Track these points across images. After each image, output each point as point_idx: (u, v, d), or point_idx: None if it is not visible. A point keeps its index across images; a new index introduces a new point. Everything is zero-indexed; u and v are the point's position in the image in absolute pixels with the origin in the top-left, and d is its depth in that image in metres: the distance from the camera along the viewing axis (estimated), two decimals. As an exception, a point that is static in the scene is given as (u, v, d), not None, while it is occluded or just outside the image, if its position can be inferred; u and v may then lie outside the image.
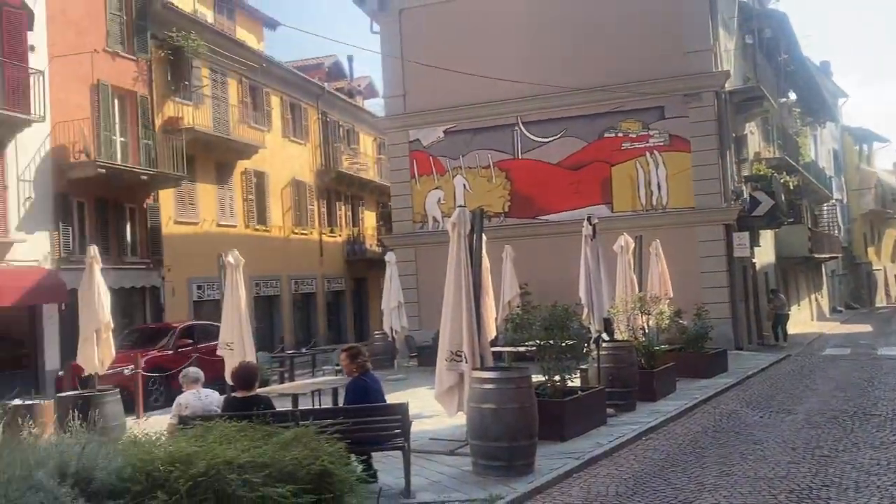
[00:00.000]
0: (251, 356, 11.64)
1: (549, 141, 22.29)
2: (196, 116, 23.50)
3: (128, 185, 20.21)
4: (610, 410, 11.20)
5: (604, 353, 12.05)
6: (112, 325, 11.71)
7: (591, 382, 11.78)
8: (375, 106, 36.11)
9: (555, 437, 9.38)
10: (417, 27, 23.42)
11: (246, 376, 7.57)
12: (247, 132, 26.17)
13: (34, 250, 17.85)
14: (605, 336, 12.63)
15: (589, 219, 12.70)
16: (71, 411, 8.26)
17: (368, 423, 7.40)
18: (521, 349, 11.65)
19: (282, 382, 16.04)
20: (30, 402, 10.41)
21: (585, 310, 12.43)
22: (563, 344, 10.02)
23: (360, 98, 37.96)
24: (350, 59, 38.58)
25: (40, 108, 17.85)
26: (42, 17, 18.44)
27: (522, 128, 22.55)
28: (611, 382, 11.72)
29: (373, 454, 7.63)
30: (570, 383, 10.49)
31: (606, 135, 21.87)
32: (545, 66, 21.55)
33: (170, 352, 16.68)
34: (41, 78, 17.97)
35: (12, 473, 4.35)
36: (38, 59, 18.09)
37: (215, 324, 19.32)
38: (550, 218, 22.01)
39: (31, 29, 17.85)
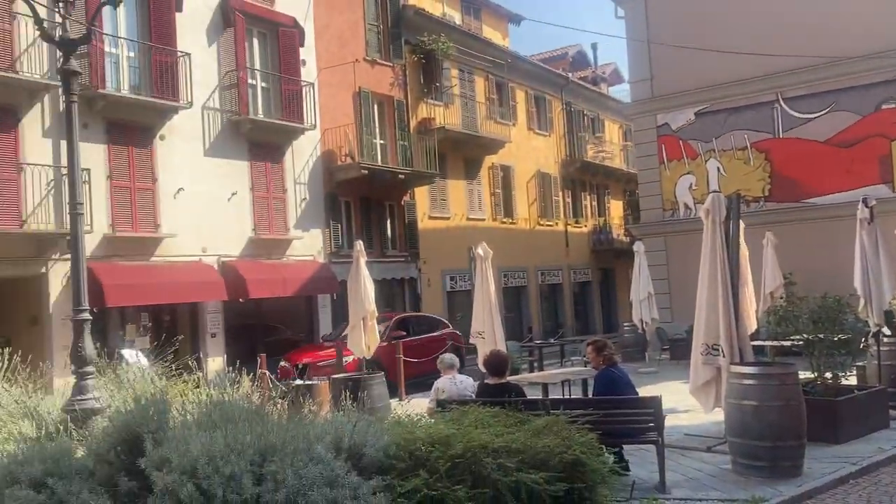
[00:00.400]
0: (501, 345, 11.98)
1: (816, 116, 20.39)
2: (446, 116, 24.57)
3: (387, 184, 21.64)
4: (894, 413, 10.02)
5: (885, 349, 10.80)
6: (377, 314, 12.64)
7: (869, 381, 10.62)
8: (621, 92, 35.33)
9: (827, 439, 8.58)
10: (664, 7, 22.53)
11: (497, 364, 7.79)
12: (493, 128, 26.86)
13: (309, 246, 19.76)
14: (886, 331, 11.32)
15: (865, 201, 11.43)
16: (343, 391, 9.02)
17: (620, 416, 7.29)
18: (786, 343, 10.80)
19: (531, 371, 16.30)
20: (309, 383, 11.59)
21: (862, 301, 11.21)
22: (836, 338, 9.14)
23: (605, 85, 37.37)
24: (594, 46, 38.12)
25: (312, 117, 19.71)
26: (311, 34, 20.31)
27: (783, 104, 20.85)
28: (894, 382, 10.49)
29: (624, 447, 7.51)
30: (844, 381, 9.55)
31: (885, 106, 19.55)
32: (809, 35, 19.71)
33: (384, 343, 15.76)
34: (311, 89, 19.82)
35: (296, 446, 4.84)
36: (308, 72, 19.97)
37: (430, 315, 20.06)
38: (817, 201, 20.14)
39: (302, 45, 19.74)
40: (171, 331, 16.66)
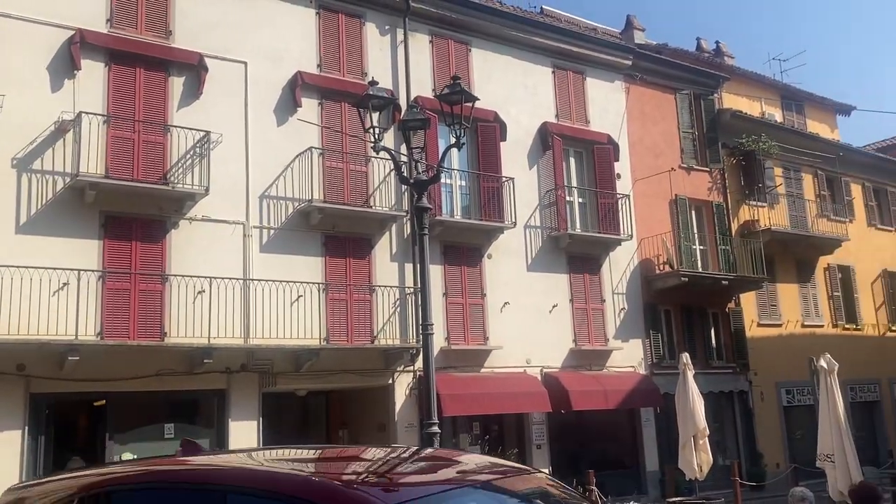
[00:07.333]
0: (855, 470, 10.67)
1: None
2: (771, 217, 23.21)
3: (709, 291, 20.81)
4: None
5: None
6: (707, 432, 11.98)
7: None
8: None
9: None
10: None
11: (869, 497, 6.92)
12: (827, 226, 24.78)
13: (629, 356, 19.49)
14: None
15: None
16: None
17: None
18: None
19: (895, 504, 14.13)
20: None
21: None
22: None
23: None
24: (943, 128, 33.84)
25: (628, 228, 19.85)
26: (625, 148, 20.73)
27: None
28: None
29: None
30: None
31: None
32: None
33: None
34: (627, 201, 20.06)
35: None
36: (623, 185, 20.28)
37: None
38: None
39: (616, 160, 20.21)
40: (499, 441, 17.34)
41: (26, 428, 12.34)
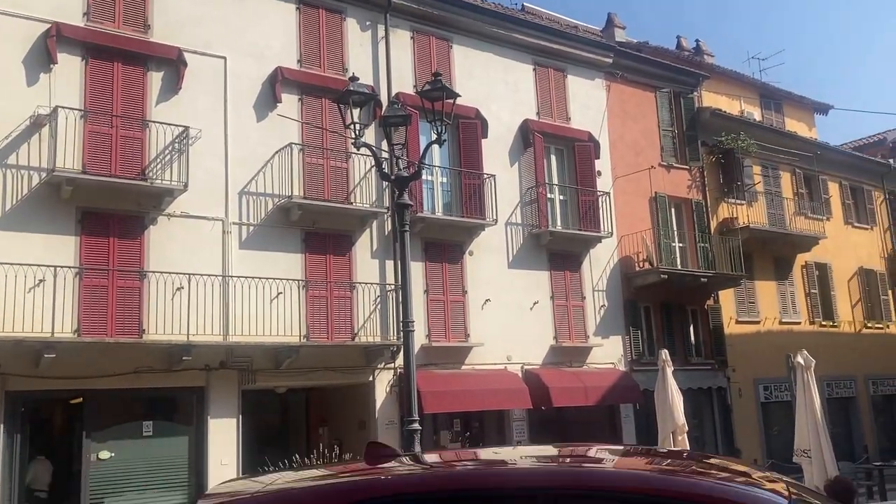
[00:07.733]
0: (831, 465, 10.79)
1: None
2: (750, 215, 23.41)
3: (688, 288, 20.95)
4: None
5: None
6: (686, 428, 12.06)
7: None
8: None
9: None
10: None
11: (845, 493, 7.00)
12: (804, 224, 25.01)
13: (609, 353, 19.59)
14: None
15: None
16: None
17: None
18: None
19: (870, 499, 14.32)
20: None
21: None
22: None
23: (937, 169, 33.18)
24: (918, 127, 34.28)
25: (608, 225, 19.95)
26: (605, 145, 20.81)
27: None
28: None
29: None
30: None
31: None
32: None
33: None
34: (607, 198, 20.15)
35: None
36: (603, 182, 20.36)
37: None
38: None
39: (597, 157, 20.28)
40: (479, 438, 17.38)
41: (1, 426, 12.19)
